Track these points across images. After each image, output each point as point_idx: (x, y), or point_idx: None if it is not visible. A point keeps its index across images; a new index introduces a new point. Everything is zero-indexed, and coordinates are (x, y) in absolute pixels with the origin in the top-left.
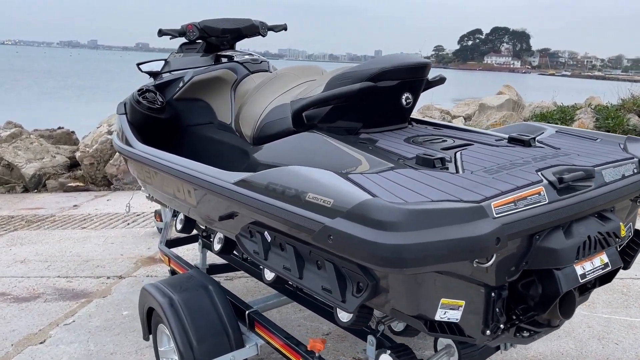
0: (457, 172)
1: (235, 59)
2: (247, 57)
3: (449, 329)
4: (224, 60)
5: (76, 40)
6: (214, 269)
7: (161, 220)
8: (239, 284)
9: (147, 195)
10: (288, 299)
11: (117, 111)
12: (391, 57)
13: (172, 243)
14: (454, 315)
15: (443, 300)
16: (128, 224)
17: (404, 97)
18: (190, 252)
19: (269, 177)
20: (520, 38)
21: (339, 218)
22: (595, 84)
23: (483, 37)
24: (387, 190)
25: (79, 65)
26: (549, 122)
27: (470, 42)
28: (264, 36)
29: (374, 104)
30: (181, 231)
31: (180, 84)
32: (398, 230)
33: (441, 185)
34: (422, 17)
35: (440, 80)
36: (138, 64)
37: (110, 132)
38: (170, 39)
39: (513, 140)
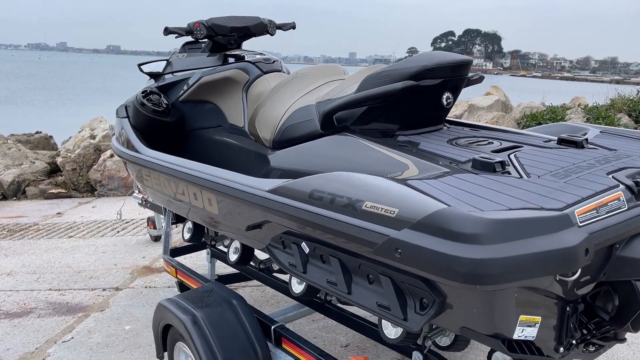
0: (522, 176)
1: (246, 59)
2: (258, 56)
3: (527, 348)
4: (232, 60)
5: (44, 43)
6: (223, 279)
7: (154, 228)
8: (243, 293)
9: (140, 202)
10: (309, 310)
11: (118, 114)
12: (432, 55)
13: (175, 252)
14: (531, 333)
15: (522, 317)
16: (118, 231)
17: (444, 96)
18: (188, 260)
19: (314, 184)
20: (492, 40)
21: (406, 230)
22: (565, 85)
23: (456, 39)
24: (456, 197)
25: (47, 68)
26: (540, 123)
27: (443, 44)
28: (272, 35)
29: (412, 104)
30: (190, 240)
31: (186, 86)
32: (482, 243)
33: (512, 192)
34: (395, 20)
35: (480, 79)
36: (139, 65)
37: (93, 137)
38: (176, 37)
39: (564, 142)
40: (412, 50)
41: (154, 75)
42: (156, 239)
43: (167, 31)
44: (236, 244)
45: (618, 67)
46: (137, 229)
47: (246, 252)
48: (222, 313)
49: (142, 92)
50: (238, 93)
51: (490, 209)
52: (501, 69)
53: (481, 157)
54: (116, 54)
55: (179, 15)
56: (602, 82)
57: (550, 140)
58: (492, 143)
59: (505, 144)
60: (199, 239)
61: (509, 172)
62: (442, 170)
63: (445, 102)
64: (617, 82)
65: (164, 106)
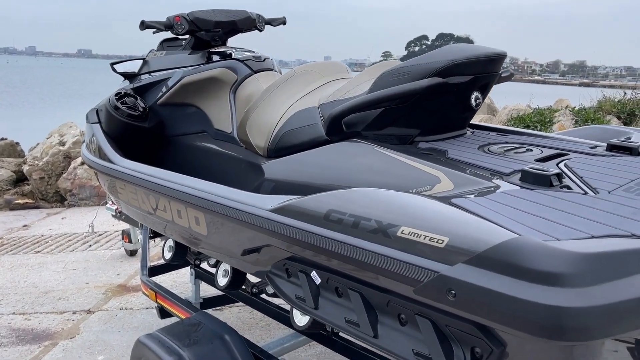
0: (586, 192)
1: (233, 56)
2: (247, 53)
3: None
4: (216, 58)
5: (13, 47)
6: (210, 302)
7: (130, 242)
8: (229, 315)
9: (114, 213)
10: (307, 340)
11: (88, 119)
12: (460, 48)
13: (154, 271)
14: None
15: None
16: (90, 245)
17: (473, 96)
18: (168, 277)
19: (330, 203)
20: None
21: (462, 265)
22: (536, 88)
23: (429, 42)
24: (518, 221)
25: (14, 72)
26: (528, 126)
27: (417, 48)
28: (260, 31)
29: (436, 105)
30: (171, 261)
31: (165, 87)
32: (570, 285)
33: (586, 213)
34: (369, 23)
35: (510, 76)
36: (112, 64)
37: (62, 143)
38: (154, 32)
39: (614, 148)
40: (386, 54)
41: (128, 76)
42: (132, 253)
43: (144, 25)
44: (225, 266)
45: (586, 71)
46: (111, 243)
47: (237, 276)
48: (213, 351)
49: (116, 95)
50: (225, 95)
51: (569, 237)
52: None
53: (531, 168)
54: (87, 57)
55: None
56: (572, 85)
57: (596, 146)
58: (532, 150)
59: (548, 152)
60: (182, 259)
61: (568, 187)
62: (484, 185)
63: (474, 103)
64: (586, 85)
65: (141, 110)
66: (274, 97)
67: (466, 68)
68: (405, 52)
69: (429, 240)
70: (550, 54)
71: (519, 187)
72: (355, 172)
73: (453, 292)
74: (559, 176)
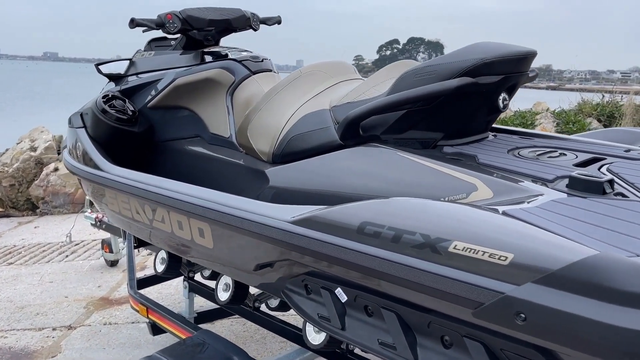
0: None
1: (230, 57)
2: (245, 53)
3: None
4: (209, 58)
5: None
6: (204, 316)
7: (110, 251)
8: (222, 328)
9: (93, 222)
10: (313, 355)
11: (72, 124)
12: (488, 46)
13: (142, 283)
14: None
15: None
16: (67, 256)
17: (501, 97)
18: (152, 290)
19: (364, 215)
20: (435, 48)
21: (531, 285)
22: None
23: (400, 47)
24: (586, 234)
25: None
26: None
27: (388, 52)
28: (255, 30)
29: (462, 106)
30: (164, 274)
31: (155, 90)
32: None
33: None
34: (340, 28)
35: (535, 76)
36: (97, 65)
37: (33, 149)
38: (144, 31)
39: None
40: (358, 58)
41: (113, 78)
42: (113, 263)
43: (134, 23)
44: (226, 279)
45: (552, 74)
46: (89, 253)
47: (240, 290)
48: None
49: (103, 97)
50: (221, 97)
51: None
52: None
53: (579, 174)
54: (54, 60)
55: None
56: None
57: (630, 150)
58: (566, 155)
59: (583, 156)
60: (175, 272)
61: (622, 194)
62: (528, 193)
63: (501, 105)
64: (553, 88)
65: (130, 113)
66: (279, 99)
67: (496, 67)
68: (377, 56)
69: (489, 256)
70: None
71: (566, 195)
72: (378, 179)
73: (522, 315)
74: (612, 183)
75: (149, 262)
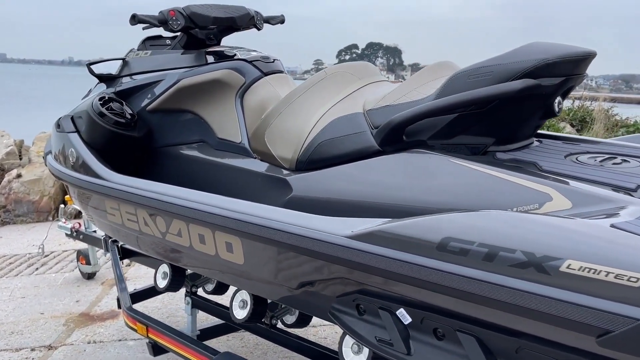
0: None
1: (238, 57)
2: (254, 54)
3: None
4: (211, 59)
5: None
6: (207, 333)
7: (87, 263)
8: (218, 344)
9: (69, 232)
10: None
11: (62, 128)
12: (547, 46)
13: (135, 298)
14: None
15: None
16: (37, 268)
17: (557, 100)
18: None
19: (444, 229)
20: (393, 53)
21: None
22: None
23: (359, 51)
24: None
25: None
26: None
27: (347, 57)
28: (259, 29)
29: (519, 110)
30: (167, 289)
31: (155, 92)
32: None
33: None
34: (299, 32)
35: (583, 79)
36: (89, 64)
37: None
38: (143, 29)
39: None
40: (318, 62)
41: (105, 79)
42: (90, 276)
43: (136, 19)
44: (243, 295)
45: None
46: (62, 265)
47: (259, 306)
48: None
49: (100, 99)
50: (230, 100)
51: None
52: (402, 81)
53: None
54: (2, 62)
55: (70, 25)
56: None
57: None
58: (629, 161)
59: None
60: (179, 287)
61: None
62: (616, 204)
63: (557, 108)
64: None
65: (129, 117)
66: (302, 102)
67: (559, 68)
68: (336, 61)
69: (615, 277)
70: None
71: None
72: (433, 189)
73: None
74: None
75: (128, 274)
